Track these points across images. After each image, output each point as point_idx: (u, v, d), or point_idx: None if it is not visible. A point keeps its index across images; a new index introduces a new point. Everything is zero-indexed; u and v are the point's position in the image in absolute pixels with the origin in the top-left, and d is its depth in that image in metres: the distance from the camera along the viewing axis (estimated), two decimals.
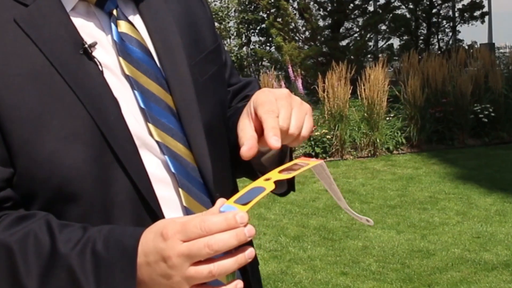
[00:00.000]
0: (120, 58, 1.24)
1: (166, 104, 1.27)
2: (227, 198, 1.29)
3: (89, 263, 1.08)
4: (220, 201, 1.06)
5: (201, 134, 1.30)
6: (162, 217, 1.20)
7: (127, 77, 1.24)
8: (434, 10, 18.26)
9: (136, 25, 1.30)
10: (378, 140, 9.78)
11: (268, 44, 18.55)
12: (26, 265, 1.10)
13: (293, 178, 1.33)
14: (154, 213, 1.20)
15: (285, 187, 1.43)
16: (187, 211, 1.24)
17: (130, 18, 1.30)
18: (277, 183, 1.10)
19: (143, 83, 1.25)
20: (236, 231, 1.00)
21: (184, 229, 1.01)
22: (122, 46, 1.25)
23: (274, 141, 1.13)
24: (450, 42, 18.76)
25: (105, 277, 1.07)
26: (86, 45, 1.20)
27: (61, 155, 1.16)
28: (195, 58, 1.34)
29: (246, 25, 18.31)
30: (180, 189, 1.24)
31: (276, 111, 1.18)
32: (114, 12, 1.26)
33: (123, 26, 1.27)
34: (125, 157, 1.19)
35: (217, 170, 1.31)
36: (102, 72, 1.20)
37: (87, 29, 1.24)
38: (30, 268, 1.10)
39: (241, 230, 1.00)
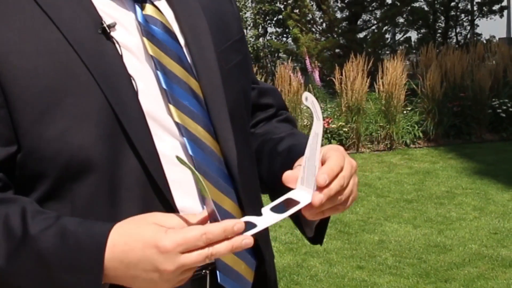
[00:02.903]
0: (144, 39, 1.24)
1: (189, 86, 1.28)
2: (249, 183, 1.31)
3: (56, 246, 1.09)
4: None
5: (226, 119, 1.31)
6: (172, 200, 1.20)
7: (150, 57, 1.25)
8: (452, 3, 18.18)
9: (162, 9, 1.31)
10: (395, 134, 9.74)
11: (284, 36, 18.52)
12: None
13: (323, 228, 1.37)
14: (163, 196, 1.20)
15: (312, 232, 1.41)
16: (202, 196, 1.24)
17: (156, 2, 1.31)
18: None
19: (166, 64, 1.25)
20: (233, 242, 1.04)
21: (186, 242, 1.03)
22: (147, 27, 1.25)
23: (322, 179, 1.14)
24: (468, 36, 18.66)
25: (72, 260, 1.08)
26: (105, 25, 1.20)
27: (71, 133, 1.16)
28: (221, 46, 1.35)
29: (263, 16, 18.27)
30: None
31: (342, 162, 1.20)
32: None
33: (148, 9, 1.28)
34: (137, 138, 1.19)
35: (240, 155, 1.32)
36: (120, 52, 1.21)
37: (111, 10, 1.24)
38: None
39: (238, 241, 1.05)
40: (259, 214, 1.30)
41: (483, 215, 6.44)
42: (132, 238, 1.07)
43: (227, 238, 1.04)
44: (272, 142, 1.46)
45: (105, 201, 1.18)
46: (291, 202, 1.16)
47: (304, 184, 1.18)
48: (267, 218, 1.13)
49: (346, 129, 9.57)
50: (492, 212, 6.50)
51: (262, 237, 1.35)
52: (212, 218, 1.09)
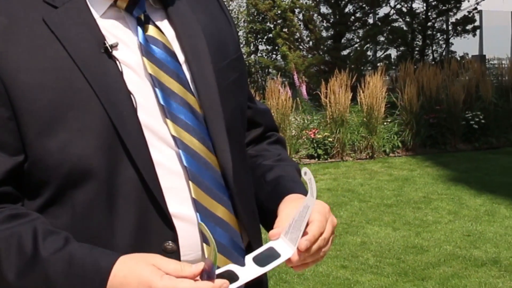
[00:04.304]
0: (144, 58, 1.25)
1: (186, 102, 1.28)
2: (245, 192, 1.32)
3: (64, 272, 1.11)
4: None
5: (223, 132, 1.31)
6: (165, 207, 1.21)
7: (149, 75, 1.25)
8: (429, 24, 18.22)
9: (164, 29, 1.31)
10: (376, 143, 9.75)
11: (274, 53, 18.52)
12: (7, 261, 1.13)
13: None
14: (157, 202, 1.21)
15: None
16: (195, 203, 1.25)
17: (158, 23, 1.31)
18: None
19: (164, 82, 1.26)
20: None
21: None
22: (147, 47, 1.26)
23: (304, 245, 1.20)
24: (444, 53, 18.71)
25: (75, 286, 1.10)
26: (107, 45, 1.21)
27: (72, 145, 1.17)
28: (219, 64, 1.35)
29: (254, 35, 18.28)
30: (190, 182, 1.25)
31: (323, 228, 1.25)
32: (142, 16, 1.28)
33: (149, 30, 1.28)
34: (134, 150, 1.19)
35: (236, 166, 1.32)
36: (121, 70, 1.22)
37: (115, 31, 1.26)
38: (11, 263, 1.13)
39: None
40: (254, 220, 1.32)
41: (457, 218, 6.45)
42: (131, 274, 1.09)
43: None
44: (262, 169, 1.47)
45: (103, 207, 1.19)
46: (272, 252, 1.20)
47: (287, 238, 1.21)
48: (249, 270, 1.16)
49: (331, 139, 9.57)
50: (465, 216, 6.52)
51: (256, 242, 1.36)
52: (207, 272, 1.10)
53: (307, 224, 1.22)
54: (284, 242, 1.21)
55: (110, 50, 1.21)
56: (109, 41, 1.22)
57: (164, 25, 1.33)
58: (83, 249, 1.13)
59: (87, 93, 1.18)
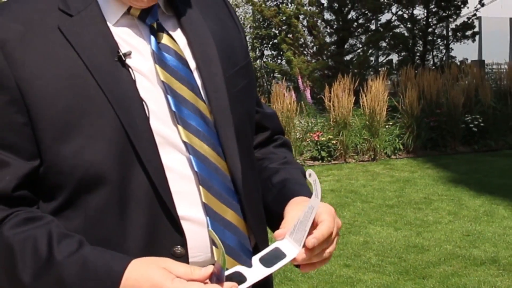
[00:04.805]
0: (157, 66, 1.25)
1: (197, 108, 1.28)
2: (252, 196, 1.33)
3: (78, 274, 1.11)
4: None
5: (232, 138, 1.31)
6: (174, 210, 1.21)
7: (162, 82, 1.25)
8: (429, 30, 18.20)
9: (176, 37, 1.31)
10: (378, 146, 9.75)
11: (279, 58, 18.52)
12: (23, 263, 1.13)
13: None
14: (166, 206, 1.21)
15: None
16: (205, 207, 1.25)
17: (171, 31, 1.31)
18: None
19: (176, 89, 1.26)
20: None
21: None
22: (159, 55, 1.26)
23: (311, 243, 1.20)
24: (444, 58, 18.68)
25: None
26: (121, 53, 1.21)
27: (86, 150, 1.17)
28: (229, 71, 1.35)
29: (260, 40, 18.29)
30: (200, 186, 1.25)
31: (332, 229, 1.25)
32: (154, 25, 1.28)
33: (162, 38, 1.28)
34: (146, 156, 1.19)
35: (245, 171, 1.32)
36: (133, 78, 1.21)
37: (129, 39, 1.25)
38: (26, 266, 1.13)
39: None
40: (260, 222, 1.33)
41: (456, 219, 6.44)
42: (142, 277, 1.09)
43: None
44: (268, 172, 1.47)
45: (115, 211, 1.19)
46: (278, 252, 1.20)
47: (292, 238, 1.21)
48: (256, 271, 1.17)
49: (334, 142, 9.58)
50: (465, 216, 6.51)
51: (262, 243, 1.36)
52: (216, 275, 1.11)
53: (313, 225, 1.22)
54: (289, 242, 1.22)
55: (124, 59, 1.21)
56: (123, 49, 1.22)
57: (176, 32, 1.32)
58: (96, 252, 1.14)
59: (100, 100, 1.18)
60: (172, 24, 1.33)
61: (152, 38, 1.27)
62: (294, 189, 1.38)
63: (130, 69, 1.22)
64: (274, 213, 1.38)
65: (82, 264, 1.11)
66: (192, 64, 1.31)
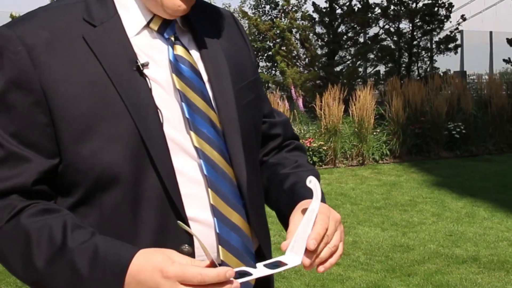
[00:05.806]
0: (174, 75, 1.26)
1: (208, 117, 1.28)
2: (256, 202, 1.34)
3: (89, 261, 1.12)
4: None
5: (239, 147, 1.32)
6: (183, 211, 1.22)
7: (177, 91, 1.26)
8: (414, 42, 18.26)
9: (190, 50, 1.32)
10: (366, 151, 9.77)
11: (273, 69, 18.57)
12: (38, 249, 1.14)
13: None
14: (176, 207, 1.21)
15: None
16: (213, 208, 1.26)
17: (186, 45, 1.32)
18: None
19: (190, 97, 1.26)
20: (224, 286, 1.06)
21: (184, 275, 1.06)
22: (176, 65, 1.27)
23: (312, 244, 1.18)
24: (428, 69, 18.73)
25: (100, 275, 1.11)
26: (139, 63, 1.22)
27: (103, 152, 1.18)
28: (238, 85, 1.36)
29: (255, 52, 18.33)
30: (209, 189, 1.25)
31: (327, 224, 1.23)
32: (172, 37, 1.29)
33: (178, 50, 1.29)
34: (158, 160, 1.20)
35: (250, 177, 1.33)
36: (150, 86, 1.22)
37: (147, 50, 1.26)
38: (41, 251, 1.14)
39: (227, 286, 1.06)
40: (264, 227, 1.33)
41: (440, 220, 6.46)
42: (146, 261, 1.09)
43: (220, 283, 1.06)
44: (280, 178, 1.46)
45: (128, 209, 1.20)
46: (281, 262, 1.20)
47: (293, 251, 1.21)
48: (260, 270, 1.16)
49: (325, 148, 9.59)
50: (448, 218, 6.52)
51: (265, 246, 1.38)
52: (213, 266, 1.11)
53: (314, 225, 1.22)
54: (290, 255, 1.21)
55: (142, 69, 1.22)
56: (141, 59, 1.23)
57: (191, 46, 1.33)
58: (107, 241, 1.15)
59: (119, 106, 1.19)
60: (187, 39, 1.34)
61: (170, 48, 1.28)
62: (300, 192, 1.37)
63: (147, 78, 1.23)
64: (287, 218, 1.37)
65: (93, 251, 1.12)
66: (205, 76, 1.32)
